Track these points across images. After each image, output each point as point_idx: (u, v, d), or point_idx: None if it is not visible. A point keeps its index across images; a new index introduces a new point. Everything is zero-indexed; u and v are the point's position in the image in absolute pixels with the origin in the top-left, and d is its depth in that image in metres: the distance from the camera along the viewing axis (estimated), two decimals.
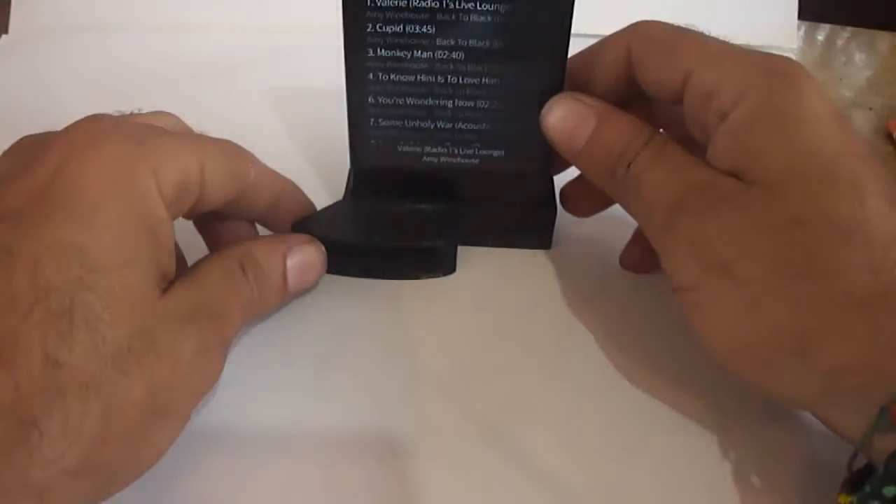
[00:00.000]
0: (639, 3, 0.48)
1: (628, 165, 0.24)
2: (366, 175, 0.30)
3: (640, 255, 0.30)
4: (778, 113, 0.22)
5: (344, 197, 0.32)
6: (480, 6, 0.26)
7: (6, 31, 0.45)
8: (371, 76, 0.27)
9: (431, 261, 0.31)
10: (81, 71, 0.43)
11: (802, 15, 0.46)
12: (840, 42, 0.49)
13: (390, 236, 0.30)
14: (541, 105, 0.27)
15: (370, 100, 0.28)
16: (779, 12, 0.46)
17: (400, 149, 0.29)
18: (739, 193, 0.22)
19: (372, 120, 0.28)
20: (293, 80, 0.41)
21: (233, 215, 0.28)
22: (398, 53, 0.27)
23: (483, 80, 0.27)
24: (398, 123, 0.28)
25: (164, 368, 0.20)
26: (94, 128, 0.22)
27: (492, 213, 0.31)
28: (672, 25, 0.25)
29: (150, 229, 0.21)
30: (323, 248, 0.28)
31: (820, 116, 0.22)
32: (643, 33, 0.26)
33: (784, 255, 0.21)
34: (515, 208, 0.31)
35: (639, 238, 0.30)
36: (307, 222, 0.29)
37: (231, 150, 0.25)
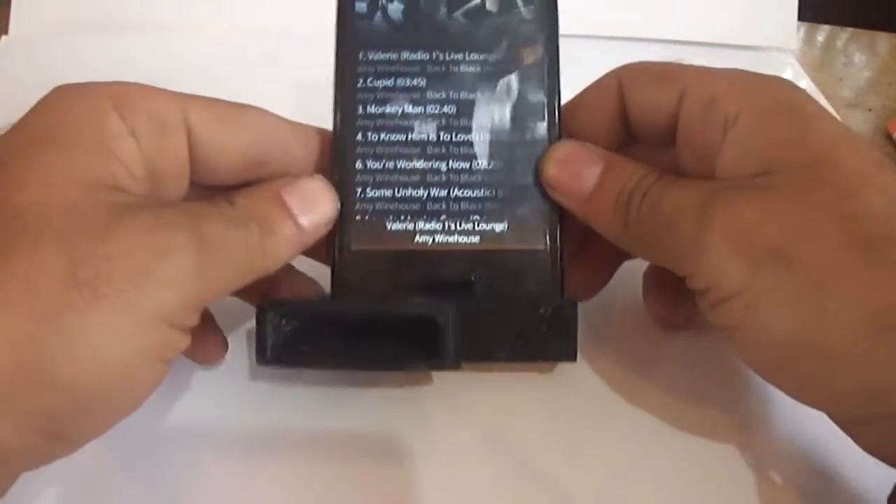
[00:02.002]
0: (640, 4, 0.48)
1: (643, 196, 0.23)
2: (350, 262, 0.25)
3: (670, 300, 0.27)
4: (790, 107, 0.22)
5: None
6: (469, 56, 0.26)
7: (6, 32, 0.45)
8: (360, 136, 0.26)
9: (434, 342, 0.24)
10: (81, 71, 0.42)
11: (802, 16, 0.46)
12: (840, 43, 0.49)
13: (384, 307, 0.25)
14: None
15: (357, 165, 0.25)
16: (779, 13, 0.46)
17: (389, 227, 0.25)
18: (772, 182, 0.21)
19: (358, 190, 0.25)
20: (295, 80, 0.41)
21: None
22: (388, 109, 0.26)
23: (478, 135, 0.26)
24: (387, 193, 0.25)
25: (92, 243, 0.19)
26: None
27: (499, 314, 0.25)
28: (661, 61, 0.25)
29: (101, 143, 0.20)
30: (328, 182, 0.25)
31: (826, 113, 0.22)
32: (633, 68, 0.25)
33: (844, 229, 0.19)
34: (526, 305, 0.25)
35: (658, 285, 0.28)
36: (272, 300, 0.25)
37: (226, 103, 0.24)
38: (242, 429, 0.26)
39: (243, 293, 0.26)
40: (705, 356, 0.29)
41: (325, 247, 0.25)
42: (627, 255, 0.27)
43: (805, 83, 0.44)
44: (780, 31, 0.46)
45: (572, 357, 0.25)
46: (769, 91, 0.22)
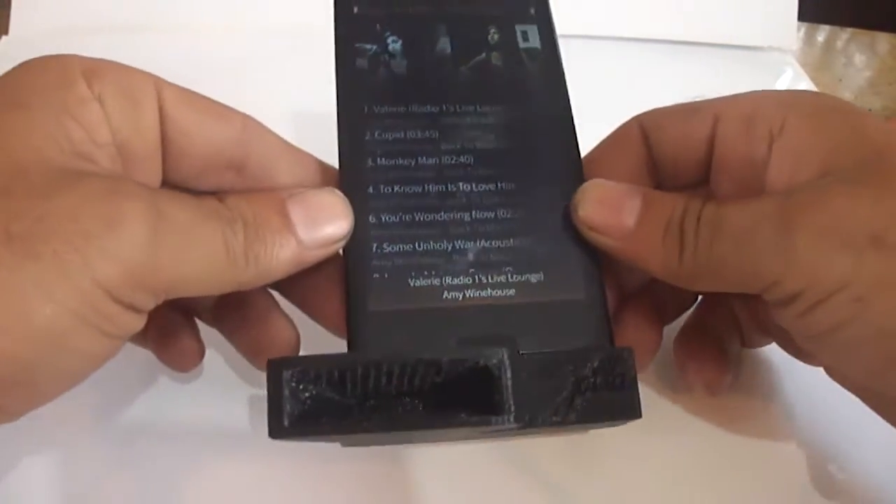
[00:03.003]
0: (639, 4, 0.48)
1: (698, 220, 0.21)
2: (369, 324, 0.22)
3: (714, 361, 0.26)
4: (834, 109, 0.22)
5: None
6: (480, 108, 0.25)
7: (6, 32, 0.45)
8: (371, 189, 0.23)
9: (485, 399, 0.20)
10: None
11: (802, 16, 0.46)
12: (840, 43, 0.49)
13: (422, 357, 0.20)
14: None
15: (371, 219, 0.23)
16: (779, 13, 0.46)
17: (412, 283, 0.23)
18: (842, 179, 0.20)
19: (374, 245, 0.23)
20: (297, 80, 0.41)
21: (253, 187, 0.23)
22: (401, 161, 0.24)
23: (499, 184, 0.24)
24: (408, 248, 0.23)
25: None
26: None
27: (547, 374, 0.22)
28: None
29: (63, 106, 0.19)
30: (342, 195, 0.22)
31: (864, 110, 0.22)
32: (653, 111, 0.25)
33: None
34: (576, 359, 0.22)
35: (697, 348, 0.26)
36: (291, 361, 0.20)
37: (209, 98, 0.22)
38: (242, 429, 0.26)
39: (211, 313, 0.25)
40: None
41: (326, 307, 0.23)
42: (671, 312, 0.27)
43: (805, 84, 0.44)
44: (780, 32, 0.46)
45: (636, 413, 0.22)
46: (807, 99, 0.22)
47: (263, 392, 0.20)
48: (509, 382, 0.20)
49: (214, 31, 0.46)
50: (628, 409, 0.22)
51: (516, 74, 0.25)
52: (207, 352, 0.26)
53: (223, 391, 0.27)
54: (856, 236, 0.19)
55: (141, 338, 0.25)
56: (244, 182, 0.23)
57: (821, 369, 0.24)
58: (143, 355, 0.25)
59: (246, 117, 0.23)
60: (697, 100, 0.24)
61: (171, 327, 0.25)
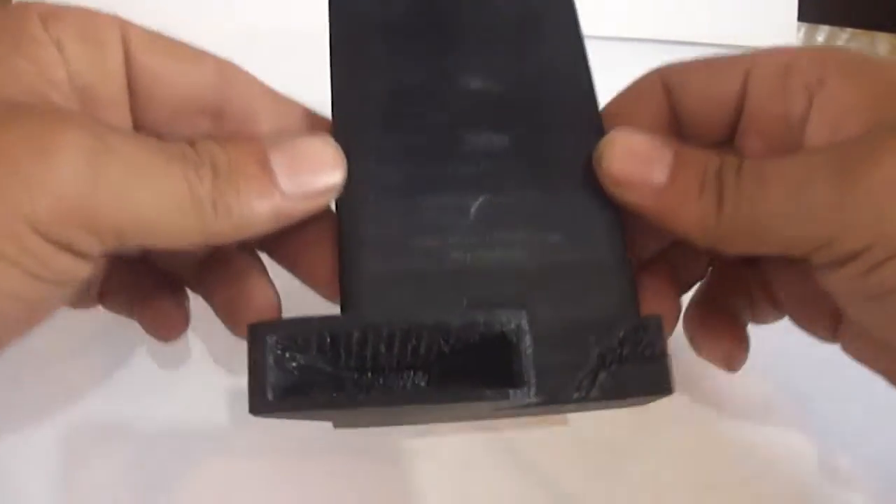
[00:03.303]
0: (638, 4, 0.47)
1: (737, 172, 0.20)
2: (365, 287, 0.20)
3: (731, 333, 0.25)
4: (871, 62, 0.21)
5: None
6: (489, 50, 0.23)
7: None
8: (368, 136, 0.21)
9: (499, 370, 0.18)
10: None
11: (802, 16, 0.46)
12: (839, 43, 0.48)
13: (428, 320, 0.18)
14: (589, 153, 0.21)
15: (367, 169, 0.20)
16: (779, 13, 0.46)
17: (414, 242, 0.20)
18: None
19: (371, 198, 0.20)
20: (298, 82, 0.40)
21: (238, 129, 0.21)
22: (401, 107, 0.21)
23: (510, 133, 0.22)
24: (409, 202, 0.20)
25: None
26: None
27: (566, 345, 0.20)
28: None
29: (14, 46, 0.18)
30: (331, 138, 0.20)
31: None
32: (678, 65, 0.23)
33: None
34: (599, 329, 0.20)
35: (712, 321, 0.25)
36: (275, 325, 0.18)
37: (183, 43, 0.21)
38: (241, 428, 0.25)
39: (196, 278, 0.23)
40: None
41: (316, 268, 0.21)
42: (684, 282, 0.25)
43: None
44: (780, 32, 0.46)
45: (667, 388, 0.20)
46: (842, 54, 0.21)
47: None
48: (529, 350, 0.17)
49: (216, 31, 0.44)
50: (658, 384, 0.20)
51: (526, 14, 0.23)
52: (194, 346, 0.26)
53: (221, 390, 0.26)
54: None
55: (124, 304, 0.24)
56: (222, 130, 0.21)
57: (827, 356, 0.23)
58: (123, 351, 0.25)
59: (221, 60, 0.21)
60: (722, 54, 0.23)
61: (154, 292, 0.23)
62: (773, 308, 0.25)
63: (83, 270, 0.18)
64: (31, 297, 0.17)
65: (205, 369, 0.27)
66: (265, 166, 0.19)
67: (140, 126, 0.21)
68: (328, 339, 0.18)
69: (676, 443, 0.26)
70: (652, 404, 0.21)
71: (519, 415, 0.23)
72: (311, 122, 0.22)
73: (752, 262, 0.25)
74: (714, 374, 0.25)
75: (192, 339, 0.27)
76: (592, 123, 0.22)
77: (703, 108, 0.23)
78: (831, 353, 0.21)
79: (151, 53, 0.20)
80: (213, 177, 0.18)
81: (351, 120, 0.21)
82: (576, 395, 0.19)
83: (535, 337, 0.18)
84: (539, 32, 0.23)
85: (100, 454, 0.24)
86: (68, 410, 0.25)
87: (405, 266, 0.20)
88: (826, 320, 0.23)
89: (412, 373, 0.18)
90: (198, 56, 0.21)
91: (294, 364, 0.18)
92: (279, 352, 0.17)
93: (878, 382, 0.22)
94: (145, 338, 0.25)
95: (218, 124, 0.21)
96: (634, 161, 0.21)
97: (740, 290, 0.25)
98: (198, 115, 0.21)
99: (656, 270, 0.24)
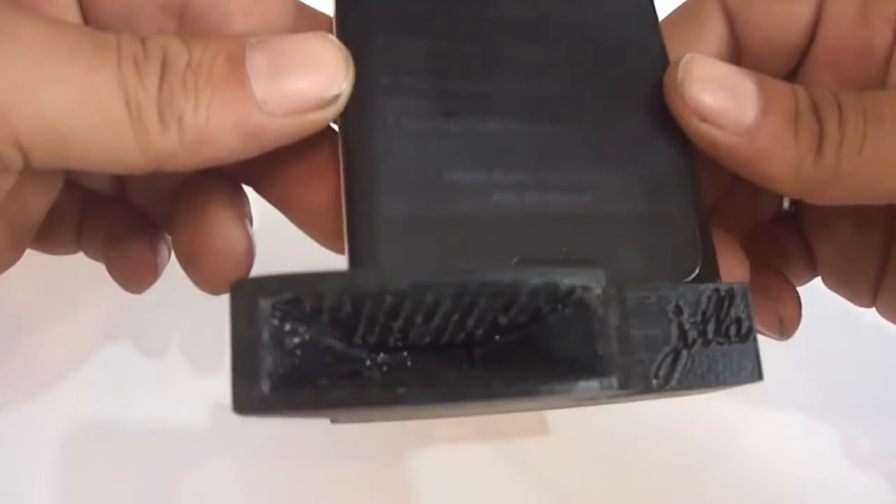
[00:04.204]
0: None
1: (839, 108, 0.17)
2: (382, 237, 0.15)
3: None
4: None
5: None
6: None
7: None
8: (383, 39, 0.16)
9: (584, 342, 0.14)
10: None
11: None
12: None
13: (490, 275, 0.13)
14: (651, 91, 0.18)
15: (384, 80, 0.16)
16: None
17: (447, 176, 0.16)
18: None
19: (391, 118, 0.16)
20: None
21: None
22: (428, 6, 0.17)
23: (561, 49, 0.18)
24: (440, 125, 0.16)
25: None
26: None
27: (635, 316, 0.15)
28: None
29: None
30: (338, 43, 0.15)
31: None
32: None
33: None
34: (677, 298, 0.16)
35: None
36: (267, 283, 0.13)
37: None
38: (241, 429, 0.25)
39: (154, 209, 0.20)
40: None
41: (315, 208, 0.17)
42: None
43: None
44: None
45: (757, 374, 0.16)
46: None
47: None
48: (616, 325, 0.13)
49: None
50: (748, 369, 0.16)
51: None
52: (195, 346, 0.26)
53: (220, 391, 0.23)
54: None
55: (100, 248, 0.21)
56: (186, 33, 0.16)
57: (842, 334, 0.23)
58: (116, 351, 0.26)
59: None
60: None
61: (129, 234, 0.21)
62: (808, 268, 0.23)
63: (8, 183, 0.14)
64: None
65: (205, 369, 0.27)
66: (236, 64, 0.14)
67: (90, 24, 0.17)
68: (349, 304, 0.12)
69: (682, 421, 0.26)
70: (659, 408, 0.19)
71: (569, 406, 0.19)
72: (307, 19, 0.18)
73: (791, 217, 0.23)
74: None
75: (193, 339, 0.27)
76: (656, 43, 0.19)
77: (770, 36, 0.20)
78: (846, 331, 0.21)
79: None
80: (162, 75, 0.14)
81: (359, 18, 0.16)
82: (655, 383, 0.15)
83: (595, 309, 0.13)
84: None
85: (99, 454, 0.24)
86: (68, 410, 0.25)
87: (435, 210, 0.15)
88: (868, 283, 0.22)
89: (449, 352, 0.14)
90: None
91: (297, 340, 0.12)
92: (276, 322, 0.12)
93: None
94: (146, 338, 0.26)
95: (183, 25, 0.17)
96: (722, 91, 0.17)
97: (775, 247, 0.23)
98: (158, 12, 0.17)
99: (718, 224, 0.20)
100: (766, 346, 0.20)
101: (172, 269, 0.20)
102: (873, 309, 0.22)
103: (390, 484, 0.24)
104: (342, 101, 0.15)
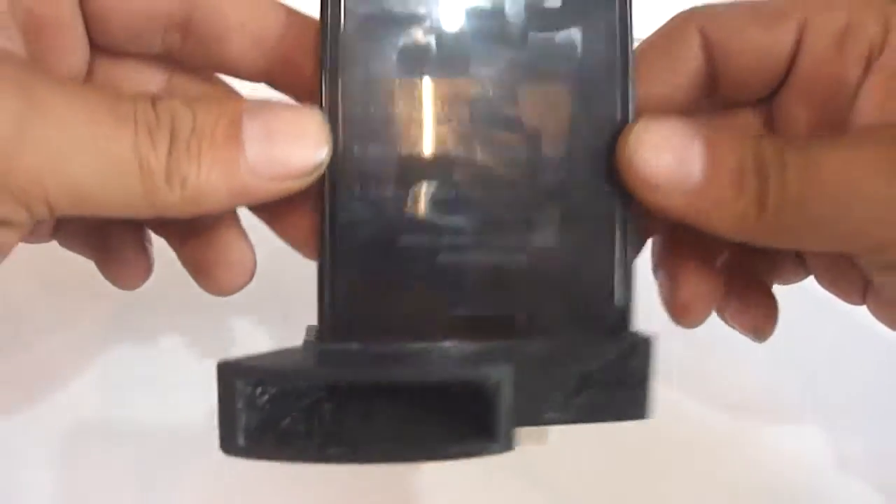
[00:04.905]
0: (636, 4, 0.47)
1: (783, 167, 0.18)
2: (341, 293, 0.18)
3: (697, 293, 0.22)
4: None
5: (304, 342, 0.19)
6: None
7: None
8: (354, 110, 0.18)
9: (481, 420, 0.17)
10: None
11: None
12: None
13: (412, 368, 0.18)
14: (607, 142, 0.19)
15: (352, 149, 0.18)
16: None
17: (400, 240, 0.19)
18: None
19: (355, 185, 0.18)
20: None
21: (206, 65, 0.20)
22: (400, 76, 0.18)
23: (523, 114, 0.19)
24: (398, 192, 0.18)
25: None
26: None
27: (550, 363, 0.19)
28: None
29: None
30: (322, 114, 0.17)
31: None
32: (716, 10, 0.21)
33: None
34: (587, 348, 0.19)
35: (687, 275, 0.22)
36: (240, 360, 0.17)
37: None
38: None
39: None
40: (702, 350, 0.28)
41: (297, 228, 0.20)
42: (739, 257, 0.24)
43: None
44: None
45: (641, 415, 0.19)
46: None
47: None
48: (508, 406, 0.17)
49: None
50: (633, 410, 0.19)
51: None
52: (195, 346, 0.26)
53: (210, 385, 0.25)
54: None
55: (79, 244, 0.22)
56: (191, 46, 0.20)
57: (836, 341, 0.23)
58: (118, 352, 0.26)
59: None
60: None
61: (113, 232, 0.22)
62: (798, 268, 0.24)
63: (10, 239, 0.16)
64: None
65: (204, 369, 0.26)
66: (234, 131, 0.16)
67: (99, 44, 0.19)
68: (297, 392, 0.17)
69: (679, 430, 0.26)
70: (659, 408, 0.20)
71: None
72: (297, 27, 0.20)
73: None
74: (719, 360, 0.26)
75: (193, 339, 0.27)
76: (618, 107, 0.19)
77: (748, 66, 0.21)
78: (840, 338, 0.21)
79: None
80: (171, 143, 0.16)
81: (336, 87, 0.18)
82: (549, 416, 0.19)
83: (518, 356, 0.18)
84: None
85: (99, 454, 0.24)
86: (68, 410, 0.25)
87: (386, 272, 0.19)
88: (857, 283, 0.22)
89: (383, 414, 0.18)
90: None
91: (266, 397, 0.17)
92: (249, 390, 0.16)
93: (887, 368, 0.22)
94: (146, 338, 0.26)
95: (187, 39, 0.19)
96: (670, 164, 0.18)
97: (761, 252, 0.23)
98: (164, 30, 0.19)
99: (682, 241, 0.22)
100: (766, 346, 0.23)
101: (173, 270, 0.21)
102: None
103: (390, 484, 0.24)
104: (320, 170, 0.17)
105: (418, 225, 0.19)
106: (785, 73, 0.21)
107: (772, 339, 0.25)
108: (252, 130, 0.16)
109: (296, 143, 0.17)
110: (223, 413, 0.16)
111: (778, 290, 0.23)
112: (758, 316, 0.23)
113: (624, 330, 0.19)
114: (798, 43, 0.20)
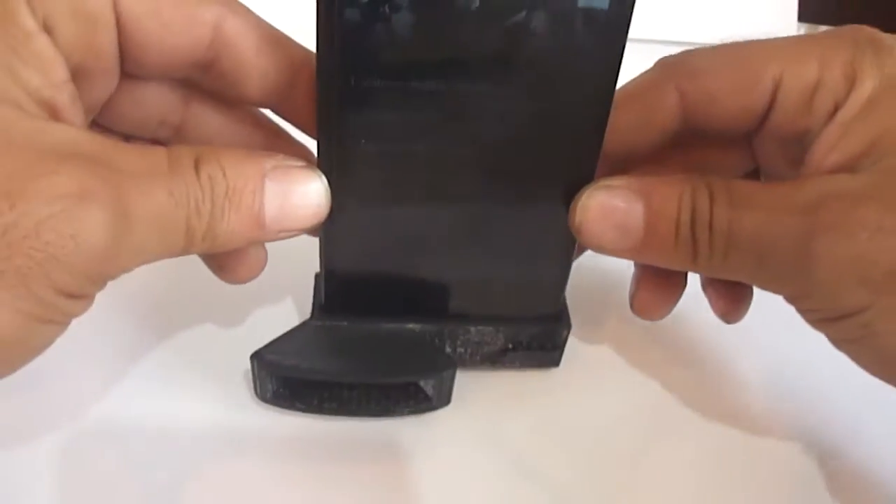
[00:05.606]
0: (636, 4, 0.48)
1: (710, 229, 0.20)
2: (341, 283, 0.24)
3: (654, 298, 0.25)
4: None
5: (312, 313, 0.25)
6: (498, 89, 0.20)
7: None
8: (350, 178, 0.21)
9: (422, 393, 0.25)
10: None
11: (802, 17, 0.46)
12: None
13: (371, 369, 0.25)
14: (565, 193, 0.22)
15: (344, 222, 0.22)
16: (778, 14, 0.46)
17: (384, 252, 0.24)
18: (871, 188, 0.19)
19: (354, 201, 0.22)
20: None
21: (219, 95, 0.22)
22: (388, 148, 0.21)
23: (494, 193, 0.23)
24: (388, 212, 0.23)
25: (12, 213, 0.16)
26: None
27: (494, 334, 0.26)
28: (708, 47, 0.22)
29: (7, 47, 0.17)
30: (326, 182, 0.21)
31: None
32: (694, 72, 0.22)
33: None
34: (523, 326, 0.26)
35: (647, 281, 0.25)
36: (266, 352, 0.24)
37: None
38: (241, 428, 0.25)
39: None
40: (699, 345, 0.29)
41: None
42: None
43: None
44: (780, 32, 0.46)
45: (555, 364, 0.28)
46: (878, 66, 0.20)
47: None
48: (441, 394, 0.26)
49: None
50: (551, 361, 0.27)
51: (559, 45, 0.19)
52: (195, 345, 0.27)
53: (220, 391, 0.26)
54: (876, 273, 0.19)
55: None
56: (211, 80, 0.22)
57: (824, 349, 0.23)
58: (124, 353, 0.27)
59: (221, 16, 0.20)
60: (740, 42, 0.22)
61: None
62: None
63: (84, 308, 0.19)
64: (46, 340, 0.18)
65: (205, 369, 0.27)
66: (258, 201, 0.20)
67: (128, 72, 0.21)
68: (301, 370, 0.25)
69: (678, 421, 0.27)
70: (647, 403, 0.27)
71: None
72: (308, 70, 0.21)
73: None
74: (712, 362, 0.28)
75: (193, 339, 0.28)
76: (586, 169, 0.22)
77: (723, 125, 0.23)
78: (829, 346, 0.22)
79: (145, 21, 0.19)
80: (212, 212, 0.19)
81: (332, 157, 0.21)
82: (485, 366, 0.27)
83: (470, 338, 0.26)
84: (568, 72, 0.20)
85: (99, 455, 0.24)
86: (68, 411, 0.25)
87: (371, 271, 0.25)
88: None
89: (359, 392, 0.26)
90: (194, 16, 0.20)
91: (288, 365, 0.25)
92: (270, 369, 0.25)
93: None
94: (145, 338, 0.27)
95: (207, 75, 0.21)
96: (612, 232, 0.21)
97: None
98: (189, 68, 0.21)
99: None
100: (763, 348, 0.27)
101: (173, 270, 0.22)
102: None
103: (390, 484, 0.24)
104: (316, 226, 0.22)
105: (396, 243, 0.24)
106: (757, 127, 0.22)
107: (763, 347, 0.28)
108: (271, 195, 0.20)
109: (304, 206, 0.21)
110: (257, 381, 0.25)
111: None
112: (728, 301, 0.25)
113: (561, 322, 0.26)
114: (772, 100, 0.21)
